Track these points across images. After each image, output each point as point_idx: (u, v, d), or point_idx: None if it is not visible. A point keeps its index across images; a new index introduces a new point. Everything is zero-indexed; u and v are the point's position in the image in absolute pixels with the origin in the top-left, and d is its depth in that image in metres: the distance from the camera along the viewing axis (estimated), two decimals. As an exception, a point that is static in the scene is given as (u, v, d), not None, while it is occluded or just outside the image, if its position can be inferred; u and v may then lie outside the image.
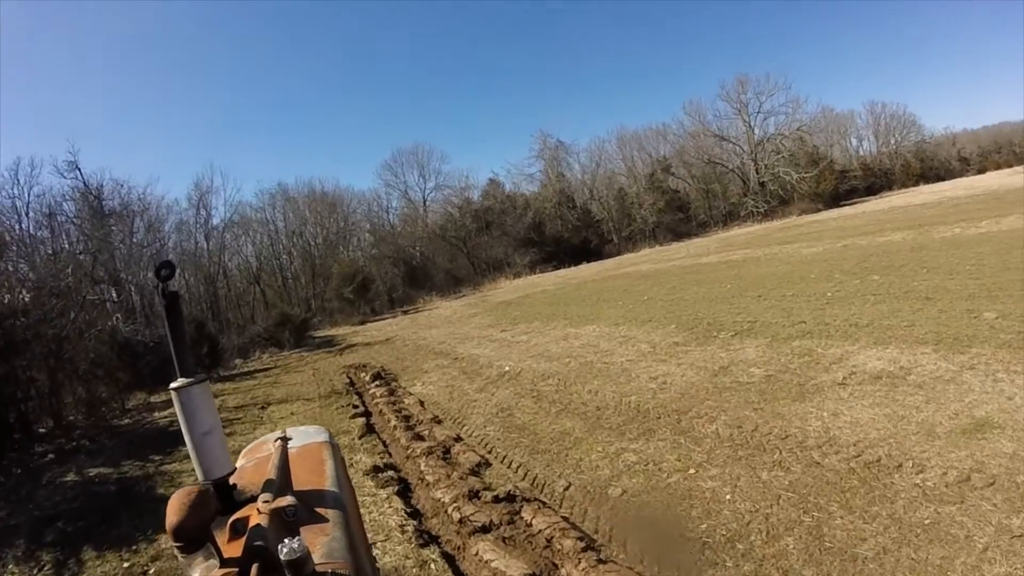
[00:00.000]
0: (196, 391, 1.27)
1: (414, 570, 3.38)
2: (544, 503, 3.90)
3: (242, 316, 33.61)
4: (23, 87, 46.95)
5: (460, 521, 3.82)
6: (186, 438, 1.25)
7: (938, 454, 3.40)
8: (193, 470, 1.23)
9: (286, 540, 0.93)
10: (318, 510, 1.25)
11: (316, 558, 1.02)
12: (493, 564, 3.21)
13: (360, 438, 6.49)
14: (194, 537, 0.98)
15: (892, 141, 51.03)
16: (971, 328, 5.42)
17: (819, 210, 34.61)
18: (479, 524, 3.66)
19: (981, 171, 43.62)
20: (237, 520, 1.12)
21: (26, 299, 10.80)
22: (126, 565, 4.31)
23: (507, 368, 8.54)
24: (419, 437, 6.06)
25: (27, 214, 25.11)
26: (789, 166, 38.45)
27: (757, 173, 40.96)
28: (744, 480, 3.57)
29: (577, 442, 4.90)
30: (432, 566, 3.40)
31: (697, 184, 42.49)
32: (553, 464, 4.58)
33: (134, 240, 28.48)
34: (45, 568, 4.58)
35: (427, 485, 4.69)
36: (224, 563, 0.99)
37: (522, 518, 3.67)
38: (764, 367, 5.67)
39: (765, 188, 39.65)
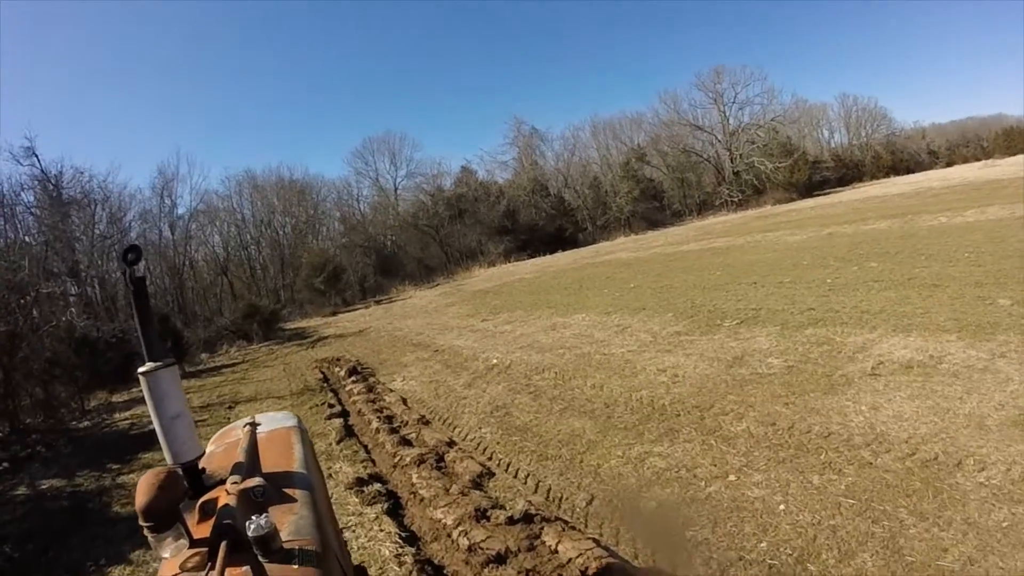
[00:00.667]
0: (164, 375, 1.27)
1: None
2: (567, 523, 3.36)
3: (209, 309, 32.13)
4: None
5: (469, 549, 3.23)
6: (155, 422, 1.26)
7: (996, 449, 3.12)
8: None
9: (253, 517, 0.94)
10: (286, 490, 1.24)
11: (284, 535, 1.02)
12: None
13: (339, 443, 5.84)
14: (163, 518, 0.98)
15: (863, 133, 51.75)
16: (990, 315, 5.22)
17: (793, 200, 34.96)
18: (492, 553, 3.07)
19: (949, 164, 44.40)
20: (206, 502, 1.14)
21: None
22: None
23: (495, 360, 8.06)
24: (406, 442, 5.49)
25: (-20, 203, 23.30)
26: (763, 156, 38.65)
27: (732, 162, 41.17)
28: (795, 487, 3.18)
29: (591, 445, 4.44)
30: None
31: (672, 173, 42.32)
32: (567, 472, 4.08)
33: (96, 231, 26.82)
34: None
35: (422, 501, 4.05)
36: (194, 543, 1.00)
37: (544, 543, 3.09)
38: (782, 357, 5.33)
39: (740, 177, 39.88)
